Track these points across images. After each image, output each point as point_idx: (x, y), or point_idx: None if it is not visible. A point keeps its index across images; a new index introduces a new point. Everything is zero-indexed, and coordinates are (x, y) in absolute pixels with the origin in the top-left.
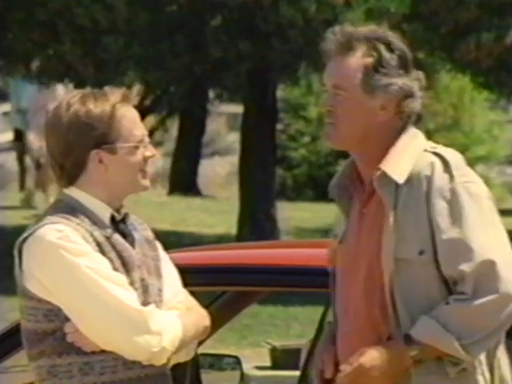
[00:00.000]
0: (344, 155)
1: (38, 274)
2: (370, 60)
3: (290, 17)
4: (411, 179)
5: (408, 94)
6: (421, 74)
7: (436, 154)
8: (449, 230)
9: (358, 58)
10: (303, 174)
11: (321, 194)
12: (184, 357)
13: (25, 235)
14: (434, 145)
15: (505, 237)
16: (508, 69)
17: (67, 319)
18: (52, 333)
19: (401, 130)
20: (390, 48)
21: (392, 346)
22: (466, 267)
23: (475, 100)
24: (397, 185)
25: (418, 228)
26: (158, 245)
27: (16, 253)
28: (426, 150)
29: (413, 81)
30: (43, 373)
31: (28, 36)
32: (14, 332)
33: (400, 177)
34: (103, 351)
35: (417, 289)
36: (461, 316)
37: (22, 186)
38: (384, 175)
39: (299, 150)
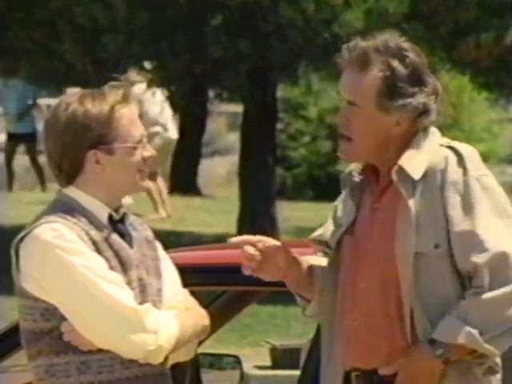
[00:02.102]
0: None
1: (34, 273)
2: (384, 79)
3: (290, 16)
4: (427, 174)
5: (423, 112)
6: (438, 85)
7: (451, 147)
8: (461, 222)
9: (373, 77)
10: (303, 174)
11: (321, 194)
12: (184, 356)
13: (22, 234)
14: (449, 140)
15: None
16: (507, 69)
17: (64, 318)
18: (49, 332)
19: (417, 133)
20: (404, 64)
21: (419, 353)
22: (478, 259)
23: (475, 99)
24: (413, 180)
25: (434, 222)
26: (158, 245)
27: (13, 252)
28: (441, 145)
29: (428, 96)
30: (41, 372)
31: (28, 35)
32: (14, 332)
33: (416, 173)
34: (100, 350)
35: (430, 283)
36: (479, 310)
37: (11, 187)
38: (401, 170)
39: (299, 149)
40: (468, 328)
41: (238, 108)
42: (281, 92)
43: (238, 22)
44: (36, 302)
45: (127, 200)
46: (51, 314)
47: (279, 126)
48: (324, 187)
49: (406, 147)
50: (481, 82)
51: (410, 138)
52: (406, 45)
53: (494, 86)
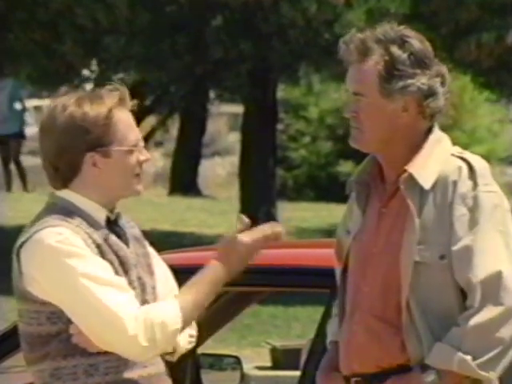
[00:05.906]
0: (345, 156)
1: (37, 276)
2: (383, 64)
3: (291, 17)
4: (438, 183)
5: (428, 94)
6: (444, 69)
7: (463, 159)
8: (463, 236)
9: (373, 63)
10: (303, 175)
11: (321, 195)
12: (187, 344)
13: (22, 239)
14: (460, 150)
15: None
16: (509, 69)
17: (70, 321)
18: (57, 335)
19: (426, 132)
20: (403, 48)
21: (410, 377)
22: (473, 277)
23: (476, 99)
24: (422, 188)
25: (441, 232)
26: (146, 242)
27: (14, 257)
28: (452, 155)
29: (433, 78)
30: (46, 376)
31: (29, 36)
32: (14, 332)
33: (426, 182)
34: (107, 352)
35: (433, 293)
36: (472, 336)
37: (9, 187)
38: (411, 178)
39: (299, 150)
40: (461, 354)
41: (238, 109)
42: (281, 93)
43: (238, 23)
44: (43, 305)
45: None
46: (57, 317)
47: (280, 126)
48: (324, 188)
49: (414, 147)
50: (482, 82)
51: (419, 136)
52: (407, 32)
53: (495, 85)
